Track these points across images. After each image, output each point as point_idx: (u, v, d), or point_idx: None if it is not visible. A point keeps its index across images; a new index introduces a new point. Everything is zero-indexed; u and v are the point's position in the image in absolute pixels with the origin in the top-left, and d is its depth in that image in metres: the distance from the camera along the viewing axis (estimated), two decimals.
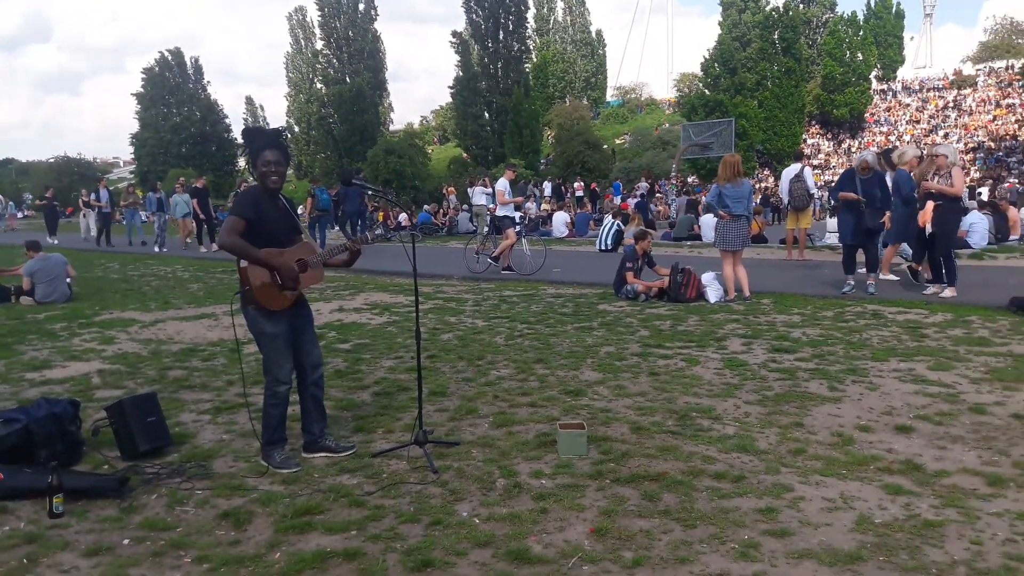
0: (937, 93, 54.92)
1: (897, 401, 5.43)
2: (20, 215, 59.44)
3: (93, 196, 24.91)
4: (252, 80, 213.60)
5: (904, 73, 60.50)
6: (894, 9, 57.38)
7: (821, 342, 7.32)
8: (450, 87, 50.84)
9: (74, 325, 9.36)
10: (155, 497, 4.13)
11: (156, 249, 21.17)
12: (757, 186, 38.46)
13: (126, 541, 3.62)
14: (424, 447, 4.53)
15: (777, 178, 37.03)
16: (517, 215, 14.03)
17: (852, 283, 10.09)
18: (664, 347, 7.31)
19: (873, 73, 51.90)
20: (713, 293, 9.75)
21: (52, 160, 71.29)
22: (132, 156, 66.11)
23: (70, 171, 67.92)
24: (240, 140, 68.03)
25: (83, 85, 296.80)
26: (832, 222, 17.05)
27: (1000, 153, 43.00)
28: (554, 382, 6.20)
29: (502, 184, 13.48)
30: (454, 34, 51.28)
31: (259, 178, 4.44)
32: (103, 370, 7.05)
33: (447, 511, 3.82)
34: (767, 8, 51.30)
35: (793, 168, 14.19)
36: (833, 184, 16.63)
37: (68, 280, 11.53)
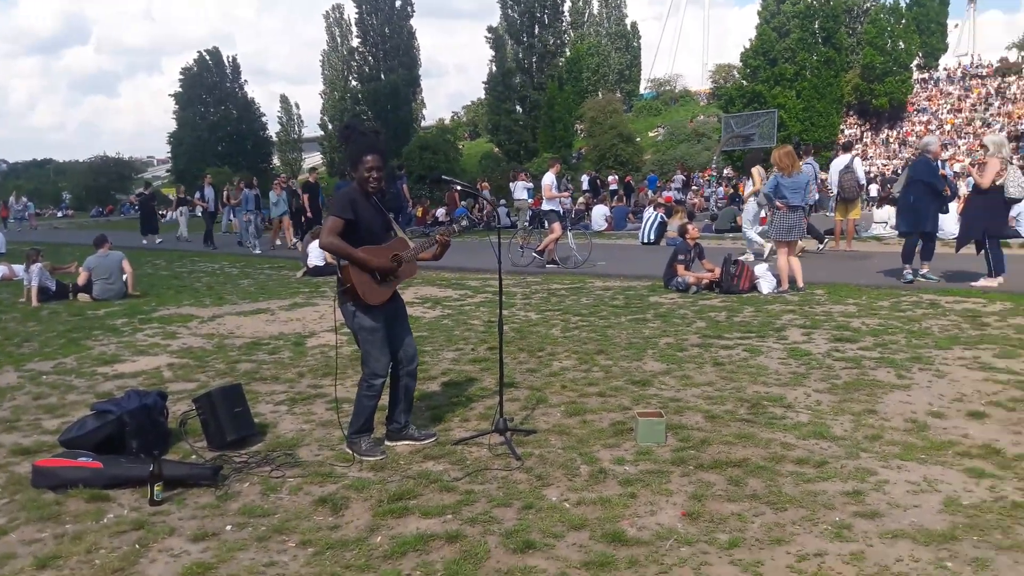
0: (980, 81, 53.87)
1: (967, 388, 5.43)
2: (60, 214, 60.81)
3: (197, 195, 23.48)
4: (283, 78, 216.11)
5: (947, 61, 59.38)
6: None
7: (882, 331, 7.30)
8: (484, 83, 51.01)
9: (135, 321, 9.60)
10: (248, 485, 4.27)
11: (255, 250, 19.42)
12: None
13: (229, 527, 3.75)
14: (505, 435, 4.63)
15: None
16: (563, 209, 14.09)
17: (913, 271, 10.02)
18: (724, 338, 7.34)
19: (915, 62, 50.97)
20: (766, 284, 9.73)
21: (91, 160, 72.77)
22: (168, 154, 67.16)
23: (108, 170, 69.29)
24: (275, 138, 69.12)
25: (120, 86, 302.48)
26: (880, 212, 16.96)
27: None
28: (619, 372, 6.26)
29: (548, 178, 13.54)
30: (489, 29, 51.46)
31: (359, 180, 4.57)
32: (172, 364, 7.25)
33: (537, 496, 3.91)
34: None
35: (843, 159, 14.11)
36: (896, 174, 16.58)
37: (125, 277, 11.75)
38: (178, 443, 4.98)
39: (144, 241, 23.27)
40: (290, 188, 20.48)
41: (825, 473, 4.01)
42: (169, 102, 62.56)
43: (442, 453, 4.60)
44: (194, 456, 4.75)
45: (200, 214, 23.60)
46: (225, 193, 24.40)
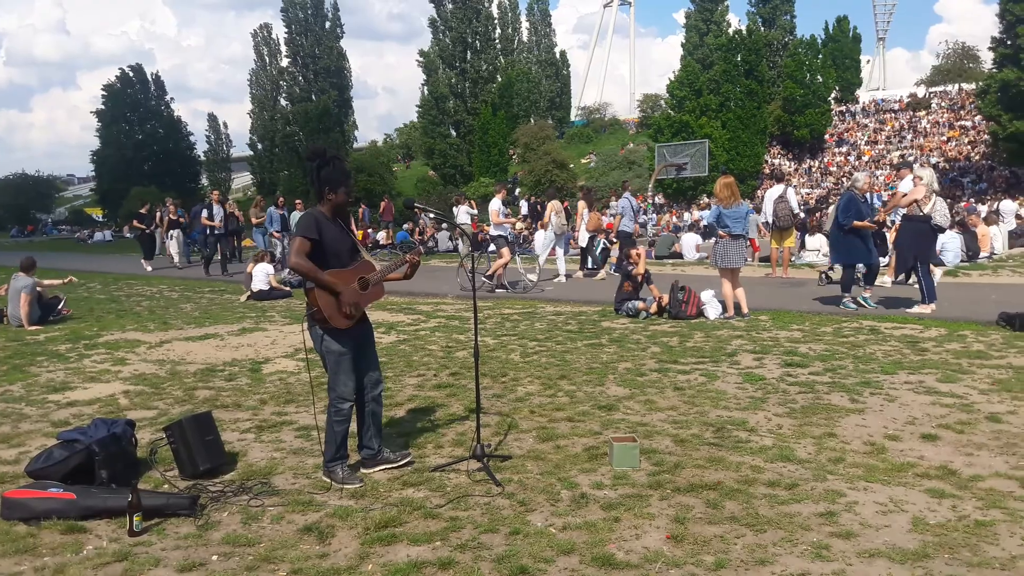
0: (893, 115, 56.54)
1: (917, 412, 5.73)
2: None
3: (205, 213, 19.80)
4: (207, 95, 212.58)
5: (862, 95, 62.08)
6: (851, 33, 59.07)
7: (829, 356, 7.62)
8: (417, 106, 51.14)
9: (79, 347, 9.31)
10: (227, 514, 4.22)
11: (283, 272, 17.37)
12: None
13: (215, 557, 3.71)
14: (483, 461, 4.69)
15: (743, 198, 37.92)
16: (511, 234, 14.25)
17: (852, 298, 10.45)
18: (679, 363, 7.55)
19: (832, 95, 53.17)
20: (712, 310, 10.04)
21: (9, 177, 69.78)
22: (91, 173, 65.08)
23: (27, 188, 66.62)
24: (202, 157, 67.63)
25: (32, 100, 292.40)
26: (812, 240, 17.62)
27: (954, 174, 44.39)
28: (583, 397, 6.39)
29: (496, 204, 13.70)
30: (421, 53, 51.66)
31: (334, 204, 4.60)
32: (127, 391, 7.07)
33: (522, 521, 3.98)
34: (729, 31, 52.39)
35: (777, 189, 14.67)
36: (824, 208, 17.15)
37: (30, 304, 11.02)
38: (147, 472, 4.88)
39: (148, 268, 20.79)
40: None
41: (797, 495, 4.19)
42: (88, 118, 61.30)
43: (420, 480, 4.63)
44: (167, 486, 4.67)
45: (206, 236, 20.10)
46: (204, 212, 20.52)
